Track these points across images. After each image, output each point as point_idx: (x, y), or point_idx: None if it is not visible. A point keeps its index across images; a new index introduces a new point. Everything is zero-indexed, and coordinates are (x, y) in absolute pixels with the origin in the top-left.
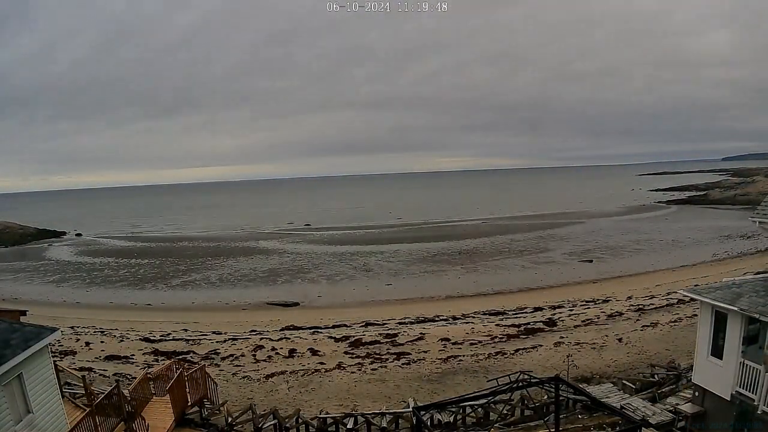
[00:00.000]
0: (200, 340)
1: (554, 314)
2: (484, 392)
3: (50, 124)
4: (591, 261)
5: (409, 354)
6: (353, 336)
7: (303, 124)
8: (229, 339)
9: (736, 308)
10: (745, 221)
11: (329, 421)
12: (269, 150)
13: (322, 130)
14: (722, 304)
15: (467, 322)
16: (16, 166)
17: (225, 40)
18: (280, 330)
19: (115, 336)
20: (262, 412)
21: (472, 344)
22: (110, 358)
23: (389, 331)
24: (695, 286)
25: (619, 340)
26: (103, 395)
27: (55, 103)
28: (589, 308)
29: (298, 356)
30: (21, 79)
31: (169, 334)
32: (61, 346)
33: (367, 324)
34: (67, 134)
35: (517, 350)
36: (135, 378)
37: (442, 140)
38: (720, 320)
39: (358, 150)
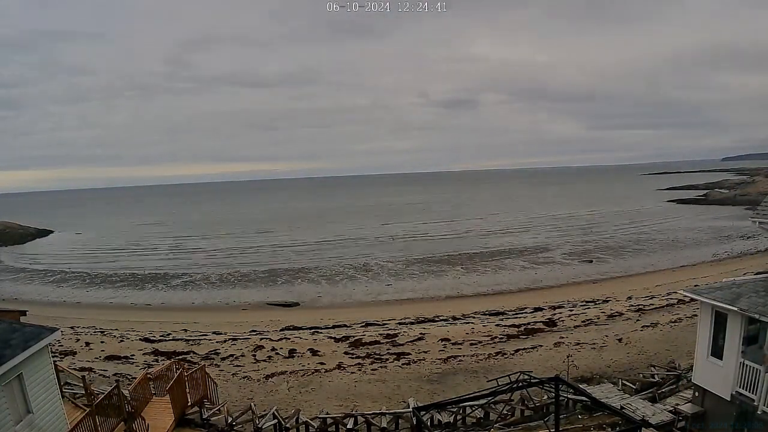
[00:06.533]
0: (200, 340)
1: (554, 314)
2: (484, 392)
3: None
4: (591, 261)
5: (409, 354)
6: (353, 336)
7: None
8: (229, 339)
9: (736, 308)
10: (745, 221)
11: (329, 421)
12: None
13: None
14: (722, 305)
15: (467, 323)
16: None
17: None
18: (280, 330)
19: (115, 336)
20: (262, 412)
21: (472, 344)
22: (110, 358)
23: (389, 332)
24: (695, 286)
25: (619, 340)
26: (103, 395)
27: None
28: (589, 308)
29: (298, 356)
30: None
31: (169, 334)
32: (61, 346)
33: (367, 324)
34: None
35: (517, 350)
36: (135, 378)
37: None
38: (720, 320)
39: None
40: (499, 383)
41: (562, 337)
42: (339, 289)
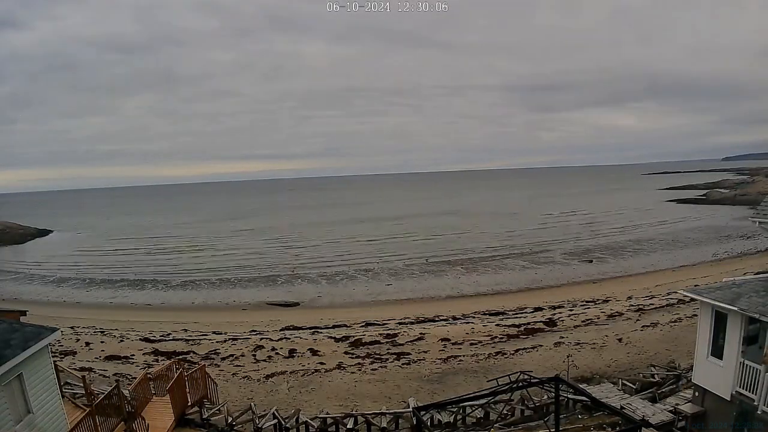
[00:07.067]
0: (200, 340)
1: (554, 314)
2: (484, 392)
3: None
4: (591, 261)
5: (409, 354)
6: (353, 336)
7: None
8: (229, 339)
9: (736, 308)
10: (745, 221)
11: (329, 421)
12: None
13: None
14: (722, 304)
15: (467, 322)
16: None
17: None
18: (280, 330)
19: (115, 336)
20: (262, 412)
21: (472, 344)
22: (110, 358)
23: (389, 331)
24: (695, 286)
25: (619, 340)
26: (103, 395)
27: None
28: (589, 308)
29: (298, 356)
30: None
31: (169, 334)
32: (61, 346)
33: (367, 324)
34: None
35: (517, 350)
36: (135, 378)
37: None
38: (720, 320)
39: None
40: (499, 383)
41: (562, 337)
42: (339, 289)
